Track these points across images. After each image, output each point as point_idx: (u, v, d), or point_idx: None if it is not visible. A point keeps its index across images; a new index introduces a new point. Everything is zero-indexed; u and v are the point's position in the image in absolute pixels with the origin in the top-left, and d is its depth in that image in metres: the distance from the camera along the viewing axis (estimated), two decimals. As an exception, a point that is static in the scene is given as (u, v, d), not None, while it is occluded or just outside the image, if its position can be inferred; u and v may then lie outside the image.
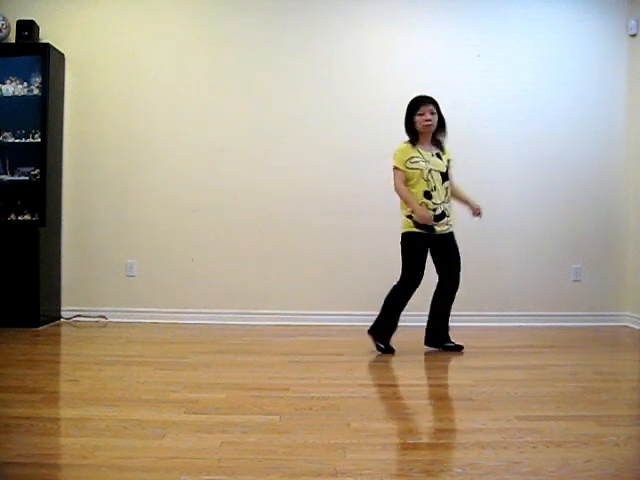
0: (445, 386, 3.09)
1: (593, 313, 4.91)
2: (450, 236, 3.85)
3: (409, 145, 3.81)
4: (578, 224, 4.93)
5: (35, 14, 4.69)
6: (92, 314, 4.77)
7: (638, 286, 4.82)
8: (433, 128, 3.82)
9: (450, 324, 3.93)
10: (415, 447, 2.28)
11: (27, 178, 4.59)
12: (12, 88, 4.60)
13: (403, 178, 3.77)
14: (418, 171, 3.76)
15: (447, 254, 3.86)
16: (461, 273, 3.88)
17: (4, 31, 4.61)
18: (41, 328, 4.47)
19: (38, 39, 4.65)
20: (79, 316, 4.78)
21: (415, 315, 3.97)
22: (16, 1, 4.74)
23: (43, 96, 4.54)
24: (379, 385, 3.10)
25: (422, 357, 3.77)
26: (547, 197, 4.91)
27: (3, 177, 4.60)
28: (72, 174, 4.83)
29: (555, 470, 2.07)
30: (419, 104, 3.82)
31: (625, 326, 4.86)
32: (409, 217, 3.78)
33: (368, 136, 4.82)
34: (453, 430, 2.46)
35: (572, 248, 4.93)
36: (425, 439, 2.35)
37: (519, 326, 4.79)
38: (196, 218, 4.77)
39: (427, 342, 3.92)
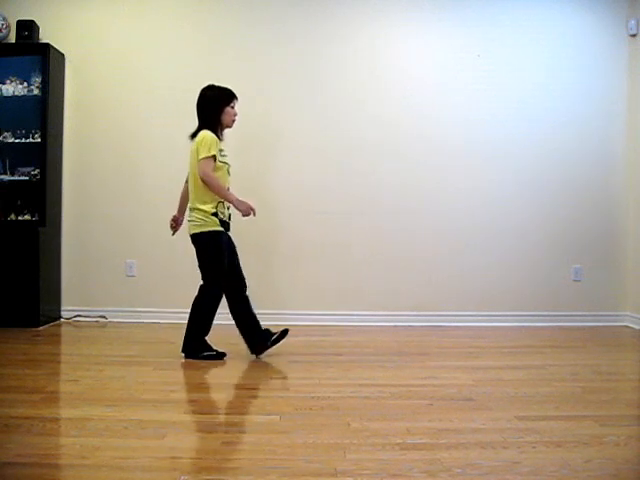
0: (445, 386, 3.09)
1: (593, 313, 4.91)
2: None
3: (215, 136, 3.54)
4: (578, 224, 4.93)
5: (35, 14, 4.69)
6: (92, 314, 4.77)
7: (638, 286, 4.82)
8: None
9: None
10: (415, 447, 2.27)
11: (27, 178, 4.59)
12: (12, 88, 4.60)
13: (213, 169, 3.49)
14: (226, 165, 3.61)
15: (235, 254, 3.68)
16: None
17: (4, 31, 4.61)
18: (41, 328, 4.46)
19: (38, 39, 4.65)
20: (79, 316, 4.78)
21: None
22: (16, 1, 4.74)
23: (43, 96, 4.54)
24: (379, 385, 3.10)
25: (421, 357, 3.77)
26: (548, 197, 4.91)
27: (3, 177, 4.60)
28: (72, 174, 4.83)
29: (555, 470, 2.07)
30: (233, 97, 3.61)
31: (625, 326, 4.86)
32: (214, 215, 3.53)
33: (366, 135, 4.84)
34: (453, 430, 2.46)
35: (572, 248, 4.93)
36: (425, 439, 2.35)
37: (519, 326, 4.79)
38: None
39: (256, 351, 3.65)
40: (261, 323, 3.60)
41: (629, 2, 4.91)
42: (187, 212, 3.72)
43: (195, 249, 3.60)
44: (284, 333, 3.70)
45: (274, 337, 3.67)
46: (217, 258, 3.56)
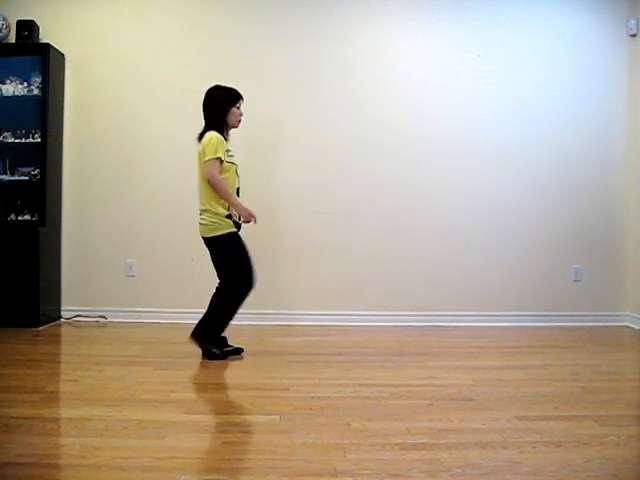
0: (445, 386, 3.09)
1: (593, 313, 4.91)
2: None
3: (221, 136, 3.55)
4: (579, 224, 4.93)
5: (35, 14, 4.69)
6: (92, 314, 4.77)
7: (638, 286, 4.82)
8: None
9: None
10: (415, 447, 2.27)
11: (27, 178, 4.59)
12: (12, 88, 4.60)
13: (221, 170, 3.51)
14: (234, 166, 3.62)
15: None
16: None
17: (4, 31, 4.61)
18: (41, 328, 4.46)
19: (38, 39, 4.65)
20: (79, 316, 4.78)
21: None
22: (16, 1, 4.73)
23: (43, 96, 4.54)
24: (379, 385, 3.09)
25: (421, 357, 3.77)
26: (548, 197, 4.91)
27: (3, 177, 4.60)
28: (72, 174, 4.83)
29: (555, 470, 2.07)
30: (239, 98, 3.64)
31: (625, 326, 4.86)
32: (228, 217, 3.53)
33: (366, 135, 4.84)
34: (453, 430, 2.46)
35: (572, 248, 4.93)
36: (425, 439, 2.35)
37: (519, 326, 4.79)
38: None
39: (196, 337, 3.60)
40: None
41: (629, 2, 4.91)
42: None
43: (210, 252, 3.59)
44: (238, 350, 3.69)
45: (218, 350, 3.61)
46: (238, 258, 3.55)
